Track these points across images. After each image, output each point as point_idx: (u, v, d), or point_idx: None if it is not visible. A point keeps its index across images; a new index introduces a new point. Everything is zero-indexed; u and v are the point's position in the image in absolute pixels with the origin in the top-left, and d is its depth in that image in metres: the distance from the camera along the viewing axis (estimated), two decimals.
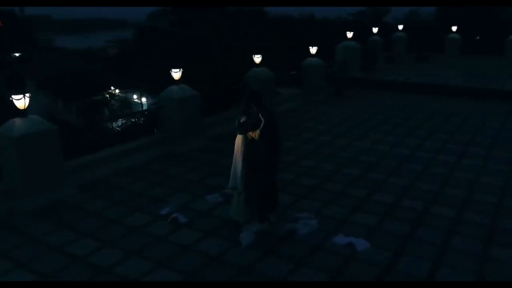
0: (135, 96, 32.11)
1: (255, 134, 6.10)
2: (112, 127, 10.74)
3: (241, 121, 6.11)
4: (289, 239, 6.23)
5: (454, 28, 23.33)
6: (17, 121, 7.26)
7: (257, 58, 12.93)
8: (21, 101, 7.21)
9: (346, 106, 14.63)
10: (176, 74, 10.26)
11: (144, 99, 30.58)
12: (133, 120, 10.81)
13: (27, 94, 7.22)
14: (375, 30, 22.20)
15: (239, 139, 6.26)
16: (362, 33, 22.25)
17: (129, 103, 31.07)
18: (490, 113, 13.22)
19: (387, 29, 25.64)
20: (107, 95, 30.72)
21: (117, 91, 32.42)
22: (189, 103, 10.30)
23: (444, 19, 27.91)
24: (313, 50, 15.66)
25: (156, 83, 20.20)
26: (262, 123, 6.01)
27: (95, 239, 6.32)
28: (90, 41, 58.42)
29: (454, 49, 23.33)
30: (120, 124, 10.90)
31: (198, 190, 7.94)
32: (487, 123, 12.07)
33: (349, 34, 19.37)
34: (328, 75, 16.23)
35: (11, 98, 7.17)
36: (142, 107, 28.30)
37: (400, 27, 24.41)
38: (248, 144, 6.20)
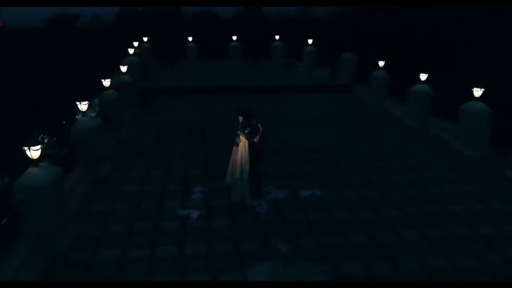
0: None
1: (257, 139, 9.02)
2: None
3: (246, 132, 8.90)
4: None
5: (190, 38, 28.49)
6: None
7: None
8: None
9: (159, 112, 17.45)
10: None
11: None
12: None
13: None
14: (145, 38, 24.95)
15: (243, 144, 8.99)
16: None
17: None
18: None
19: None
20: None
21: None
22: None
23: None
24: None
25: None
26: (261, 130, 9.01)
27: None
28: None
29: (193, 55, 28.55)
30: None
31: None
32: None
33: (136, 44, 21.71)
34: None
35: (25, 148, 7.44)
36: None
37: (145, 39, 27.75)
38: (250, 145, 9.03)
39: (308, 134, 14.58)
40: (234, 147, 9.20)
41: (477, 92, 12.60)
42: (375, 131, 15.08)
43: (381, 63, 18.81)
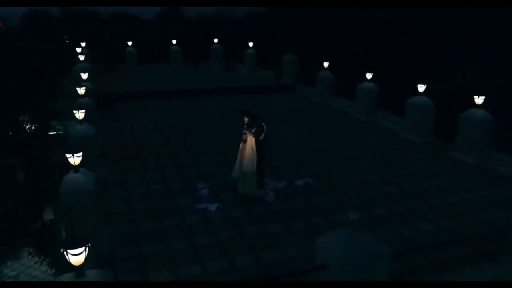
0: None
1: (262, 137, 10.20)
2: None
3: (253, 131, 10.05)
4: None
5: (129, 43, 28.50)
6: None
7: None
8: None
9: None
10: None
11: None
12: None
13: None
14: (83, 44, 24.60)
15: (250, 141, 10.11)
16: None
17: None
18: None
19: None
20: None
21: None
22: None
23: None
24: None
25: None
26: (265, 129, 10.21)
27: None
28: None
29: (133, 60, 28.60)
30: None
31: None
32: None
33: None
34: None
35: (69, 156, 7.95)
36: None
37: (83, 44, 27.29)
38: (257, 143, 10.18)
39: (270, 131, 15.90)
40: (241, 144, 10.28)
41: (421, 88, 14.85)
42: (328, 127, 16.79)
43: (326, 64, 20.74)
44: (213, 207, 9.92)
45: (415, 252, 7.31)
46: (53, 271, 13.37)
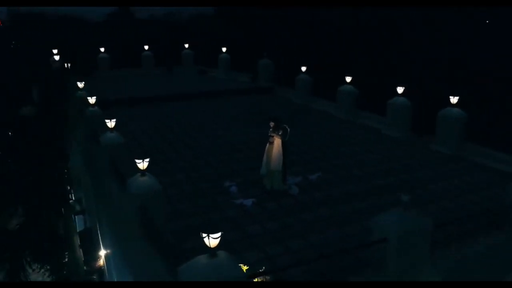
0: None
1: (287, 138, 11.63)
2: None
3: (280, 134, 11.45)
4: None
5: (102, 49, 28.79)
6: None
7: None
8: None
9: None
10: None
11: None
12: None
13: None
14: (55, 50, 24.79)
15: (277, 142, 11.49)
16: None
17: None
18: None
19: None
20: None
21: None
22: None
23: None
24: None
25: None
26: (289, 131, 11.64)
27: None
28: None
29: (106, 65, 28.94)
30: None
31: None
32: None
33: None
34: None
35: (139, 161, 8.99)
36: None
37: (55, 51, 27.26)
38: (282, 143, 11.58)
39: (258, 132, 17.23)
40: (267, 145, 11.65)
41: (400, 89, 16.87)
42: (317, 126, 18.51)
43: (303, 68, 22.44)
44: (248, 202, 11.20)
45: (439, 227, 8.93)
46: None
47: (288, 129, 11.70)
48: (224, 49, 28.58)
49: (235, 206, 11.04)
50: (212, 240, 6.01)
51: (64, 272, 17.46)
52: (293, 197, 11.62)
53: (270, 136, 11.60)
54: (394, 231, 7.45)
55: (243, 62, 27.30)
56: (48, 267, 15.81)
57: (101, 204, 11.32)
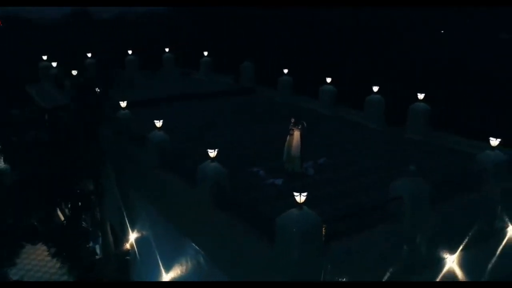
0: None
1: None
2: None
3: (299, 127, 14.54)
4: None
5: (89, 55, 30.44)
6: None
7: None
8: None
9: None
10: None
11: None
12: None
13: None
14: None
15: (296, 135, 14.56)
16: None
17: None
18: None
19: None
20: None
21: None
22: None
23: None
24: None
25: None
26: (305, 125, 14.76)
27: None
28: None
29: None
30: None
31: None
32: None
33: None
34: None
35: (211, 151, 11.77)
36: None
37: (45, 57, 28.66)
38: (300, 136, 14.67)
39: (256, 130, 20.21)
40: (288, 137, 14.71)
41: (376, 88, 20.46)
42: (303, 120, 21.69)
43: (285, 70, 25.51)
44: (279, 181, 14.17)
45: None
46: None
47: (305, 124, 14.81)
48: (205, 53, 31.18)
49: (267, 185, 13.97)
50: (301, 197, 9.01)
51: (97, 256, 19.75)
52: (311, 177, 14.77)
53: (291, 129, 14.66)
54: (407, 191, 10.82)
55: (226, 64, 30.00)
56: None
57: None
